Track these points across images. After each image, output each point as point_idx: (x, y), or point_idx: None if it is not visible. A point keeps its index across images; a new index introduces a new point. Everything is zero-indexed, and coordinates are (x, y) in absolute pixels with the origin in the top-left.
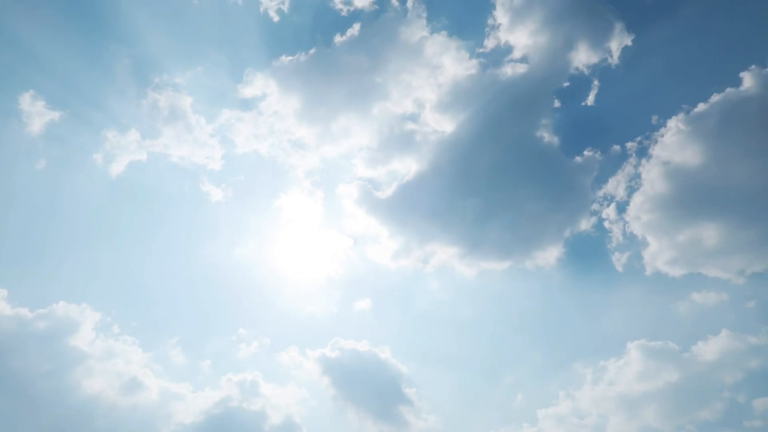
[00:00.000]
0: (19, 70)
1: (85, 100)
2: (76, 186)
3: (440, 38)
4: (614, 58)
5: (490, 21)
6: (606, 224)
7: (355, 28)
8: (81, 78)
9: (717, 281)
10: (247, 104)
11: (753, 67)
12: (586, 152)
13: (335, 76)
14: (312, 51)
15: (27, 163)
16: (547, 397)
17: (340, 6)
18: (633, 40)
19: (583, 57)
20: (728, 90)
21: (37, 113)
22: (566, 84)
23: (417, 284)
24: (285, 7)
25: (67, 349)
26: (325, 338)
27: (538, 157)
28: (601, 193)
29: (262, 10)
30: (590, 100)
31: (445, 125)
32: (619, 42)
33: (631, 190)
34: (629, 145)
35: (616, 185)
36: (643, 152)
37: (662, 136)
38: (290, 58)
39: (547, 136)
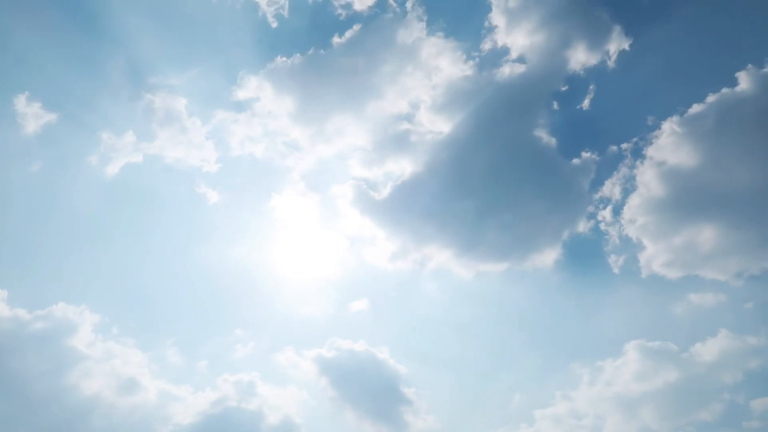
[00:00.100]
0: (14, 72)
1: (81, 102)
2: (72, 188)
3: (437, 40)
4: (611, 60)
5: (486, 23)
6: (602, 226)
7: (352, 31)
8: (76, 80)
9: (714, 283)
10: (243, 106)
11: (749, 66)
12: (582, 155)
13: (331, 77)
14: (308, 53)
15: (22, 165)
16: (545, 397)
17: (338, 9)
18: (629, 41)
19: (579, 58)
20: (725, 90)
21: (32, 115)
22: (562, 85)
23: (414, 286)
24: (284, 11)
25: (64, 350)
26: (322, 339)
27: (534, 159)
28: (598, 195)
29: (260, 14)
30: (587, 101)
31: (441, 126)
32: (615, 43)
33: (628, 192)
34: (626, 146)
35: (612, 187)
36: (640, 154)
37: (658, 137)
38: (286, 59)
39: (543, 138)
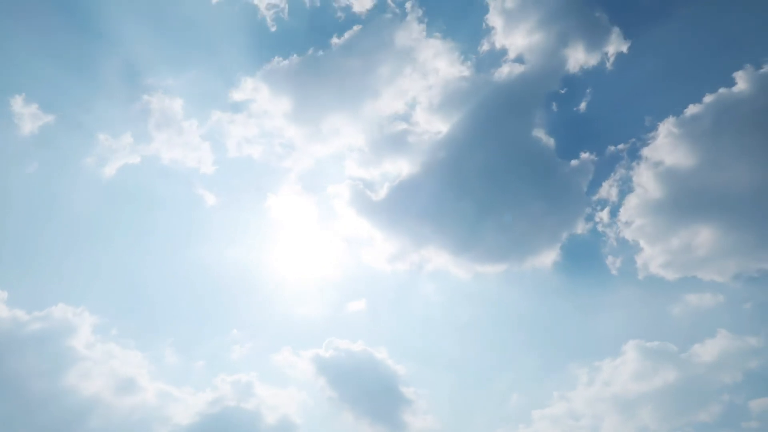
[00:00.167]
0: (10, 74)
1: (78, 103)
2: (69, 189)
3: (435, 41)
4: (609, 61)
5: (484, 24)
6: (600, 228)
7: (351, 33)
8: (73, 81)
9: (712, 284)
10: (240, 107)
11: (747, 66)
12: (580, 156)
13: (329, 78)
14: (306, 54)
15: (19, 167)
16: (543, 398)
17: (337, 11)
18: (627, 42)
19: (577, 59)
20: (723, 90)
21: (29, 116)
22: (560, 86)
23: (412, 287)
24: (283, 14)
25: (63, 351)
26: (320, 339)
27: (532, 160)
28: (596, 196)
29: (259, 16)
30: (585, 102)
31: (439, 127)
32: (613, 44)
33: (625, 194)
34: (623, 148)
35: (609, 189)
36: (637, 155)
37: (656, 138)
38: (283, 60)
39: (541, 139)
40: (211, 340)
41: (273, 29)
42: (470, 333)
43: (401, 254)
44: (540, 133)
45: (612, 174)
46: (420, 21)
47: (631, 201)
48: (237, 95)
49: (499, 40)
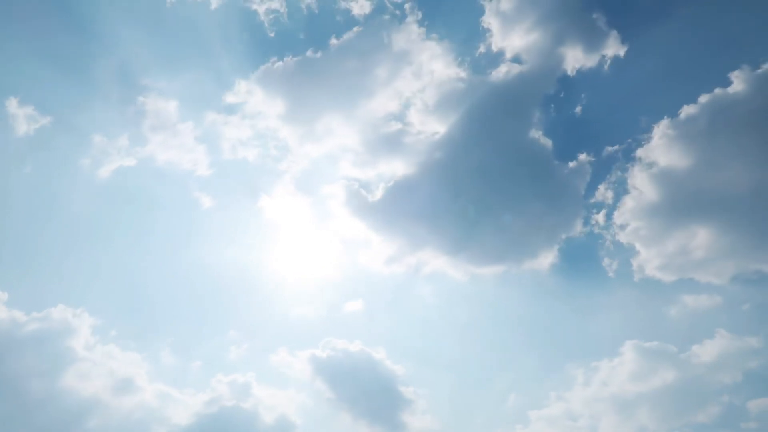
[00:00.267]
0: (5, 76)
1: (73, 105)
2: (64, 191)
3: (432, 42)
4: (606, 62)
5: (481, 26)
6: (596, 230)
7: (349, 34)
8: (68, 84)
9: (710, 285)
10: (236, 109)
11: (744, 66)
12: (577, 158)
13: (326, 79)
14: (302, 56)
15: (14, 169)
16: (540, 398)
17: (336, 13)
18: (624, 43)
19: (574, 60)
20: (719, 91)
21: (24, 118)
22: (556, 88)
23: (409, 288)
24: (282, 17)
25: (61, 352)
26: (318, 339)
27: (529, 162)
28: (593, 199)
29: (258, 19)
30: (581, 104)
31: (436, 128)
32: (610, 45)
33: (621, 196)
34: (620, 150)
35: (606, 191)
36: (635, 157)
37: (653, 140)
38: (280, 62)
39: (537, 141)
40: (208, 340)
41: (271, 31)
42: (468, 334)
43: (398, 255)
44: (537, 135)
45: (610, 176)
46: (417, 23)
47: (627, 203)
48: (232, 97)
49: (496, 41)
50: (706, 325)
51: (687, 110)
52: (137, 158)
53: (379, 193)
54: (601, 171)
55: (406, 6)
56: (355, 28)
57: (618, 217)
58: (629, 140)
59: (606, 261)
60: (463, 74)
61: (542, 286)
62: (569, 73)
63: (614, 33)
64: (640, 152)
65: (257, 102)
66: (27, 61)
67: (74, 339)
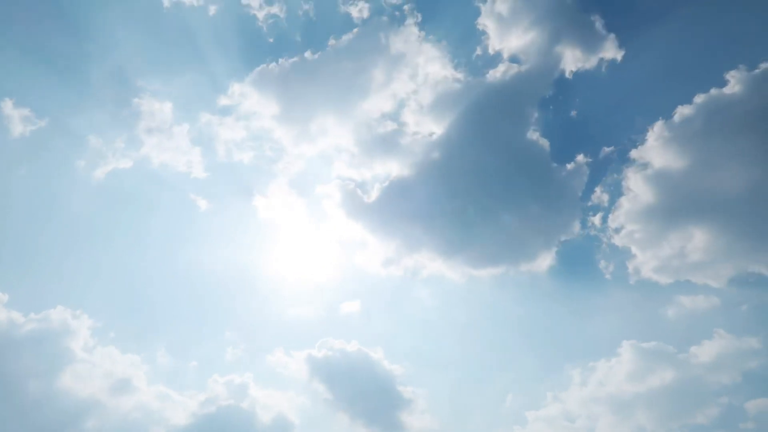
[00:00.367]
0: (1, 77)
1: (68, 107)
2: (59, 193)
3: (430, 44)
4: (603, 63)
5: (478, 27)
6: (594, 232)
7: (346, 36)
8: (64, 85)
9: (706, 287)
10: (231, 110)
11: (741, 66)
12: (575, 160)
13: (321, 80)
14: (297, 57)
15: (9, 170)
16: (538, 399)
17: (334, 14)
18: (621, 44)
19: (571, 61)
20: (715, 92)
21: (19, 119)
22: (553, 89)
23: (407, 290)
24: (281, 20)
25: (59, 354)
26: (316, 340)
27: (527, 163)
28: (590, 200)
29: (258, 23)
30: (579, 105)
31: (434, 130)
32: (608, 47)
33: (617, 198)
34: (617, 151)
35: (602, 193)
36: (632, 159)
37: (651, 141)
38: (277, 63)
39: (535, 143)
40: (205, 342)
41: (269, 36)
42: (466, 335)
43: (394, 257)
44: (534, 136)
45: (608, 177)
46: (415, 25)
47: (623, 205)
48: (227, 99)
49: (493, 43)
50: (705, 325)
51: (685, 112)
52: (133, 160)
53: (374, 194)
54: (598, 173)
55: (405, 7)
56: (354, 30)
57: (613, 221)
58: (626, 141)
59: (602, 263)
60: (459, 75)
61: (540, 288)
62: (566, 73)
63: (612, 36)
64: (637, 154)
65: (252, 103)
66: (23, 63)
67: (74, 340)
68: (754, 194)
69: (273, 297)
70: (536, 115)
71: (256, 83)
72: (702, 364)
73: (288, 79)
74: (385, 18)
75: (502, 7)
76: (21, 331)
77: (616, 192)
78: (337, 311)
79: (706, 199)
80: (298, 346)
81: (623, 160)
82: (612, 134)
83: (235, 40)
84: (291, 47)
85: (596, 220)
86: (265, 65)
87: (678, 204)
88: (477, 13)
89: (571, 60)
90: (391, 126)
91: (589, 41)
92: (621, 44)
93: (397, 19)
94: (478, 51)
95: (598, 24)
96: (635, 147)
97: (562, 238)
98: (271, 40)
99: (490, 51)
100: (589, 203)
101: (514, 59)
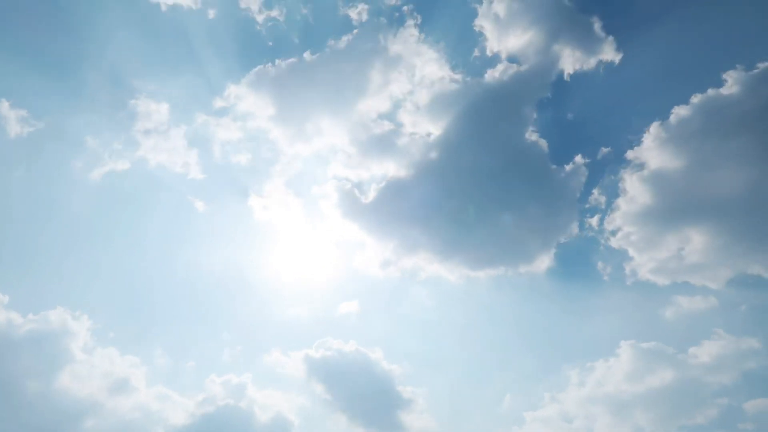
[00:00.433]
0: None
1: (65, 108)
2: (56, 194)
3: (429, 45)
4: (602, 64)
5: (476, 29)
6: (592, 233)
7: (345, 37)
8: (60, 86)
9: (704, 288)
10: (227, 111)
11: (738, 66)
12: (573, 161)
13: (318, 81)
14: (294, 58)
15: (6, 171)
16: (536, 399)
17: (333, 15)
18: (619, 45)
19: (569, 62)
20: (717, 92)
21: (15, 120)
22: (551, 91)
23: (405, 291)
24: (280, 22)
25: (58, 354)
26: (314, 340)
27: (525, 164)
28: (588, 202)
29: (257, 27)
30: (577, 106)
31: (432, 131)
32: (606, 49)
33: (614, 199)
34: (614, 153)
35: (599, 194)
36: (629, 160)
37: (649, 142)
38: (273, 64)
39: (534, 143)
40: (204, 342)
41: (269, 39)
42: (464, 336)
43: (392, 258)
44: (533, 137)
45: (602, 179)
46: (414, 26)
47: (621, 207)
48: (223, 100)
49: (491, 44)
50: (703, 326)
51: (681, 112)
52: (130, 161)
53: (372, 195)
54: (596, 174)
55: (405, 8)
56: (352, 32)
57: (609, 223)
58: (623, 142)
59: (600, 265)
60: (457, 76)
61: (538, 289)
62: (565, 74)
63: (610, 36)
64: (634, 155)
65: (248, 104)
66: (20, 64)
67: (73, 341)
68: (752, 195)
69: (270, 297)
70: (534, 116)
71: (252, 84)
72: (701, 365)
73: (284, 79)
74: (383, 19)
75: (499, 8)
76: (20, 331)
77: (613, 193)
78: (335, 312)
79: (704, 200)
80: (295, 347)
81: (620, 161)
82: (609, 135)
83: (233, 42)
84: (289, 50)
85: (594, 221)
86: (261, 66)
87: (675, 205)
88: (474, 14)
89: (570, 61)
90: (388, 126)
91: (587, 43)
92: (619, 47)
93: (396, 21)
94: (476, 52)
95: (597, 26)
96: (632, 148)
97: (561, 240)
98: (270, 43)
99: (488, 52)
100: (587, 205)
101: (512, 60)
